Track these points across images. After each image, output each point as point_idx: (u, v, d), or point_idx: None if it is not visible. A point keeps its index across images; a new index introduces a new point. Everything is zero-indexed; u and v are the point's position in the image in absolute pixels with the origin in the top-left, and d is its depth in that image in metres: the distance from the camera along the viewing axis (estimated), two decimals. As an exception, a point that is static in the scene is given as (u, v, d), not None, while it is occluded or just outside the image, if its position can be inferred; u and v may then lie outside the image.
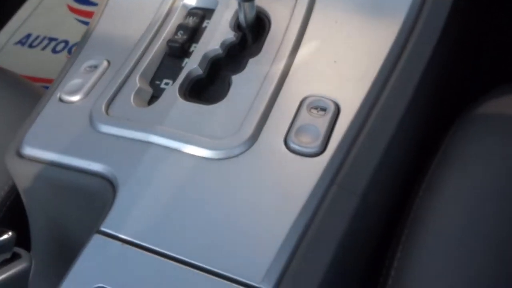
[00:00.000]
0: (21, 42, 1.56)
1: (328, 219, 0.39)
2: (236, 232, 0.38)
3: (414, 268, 0.40)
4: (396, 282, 0.40)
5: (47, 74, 1.47)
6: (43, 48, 1.54)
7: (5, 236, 0.46)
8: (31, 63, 1.49)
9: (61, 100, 0.54)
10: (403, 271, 0.41)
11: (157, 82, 0.53)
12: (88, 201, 0.47)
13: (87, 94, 0.53)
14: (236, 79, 0.49)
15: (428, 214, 0.44)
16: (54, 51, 1.53)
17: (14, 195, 0.62)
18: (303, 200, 0.39)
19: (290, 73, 0.48)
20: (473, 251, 0.39)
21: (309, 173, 0.41)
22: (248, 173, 0.42)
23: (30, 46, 1.55)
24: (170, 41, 0.54)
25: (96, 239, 0.39)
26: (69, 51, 1.51)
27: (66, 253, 0.54)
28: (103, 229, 0.40)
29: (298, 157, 0.42)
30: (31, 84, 0.79)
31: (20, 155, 0.51)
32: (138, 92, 0.51)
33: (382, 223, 0.45)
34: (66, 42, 1.53)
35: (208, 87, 0.52)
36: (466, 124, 0.51)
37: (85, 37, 0.61)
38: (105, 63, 0.55)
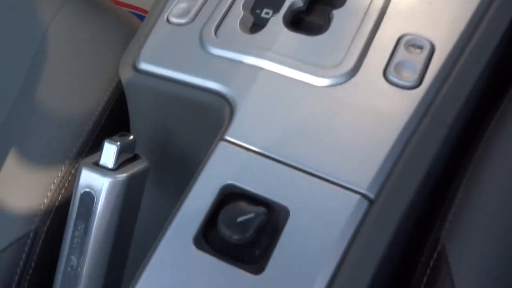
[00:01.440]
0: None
1: (420, 145, 0.45)
2: (341, 148, 0.45)
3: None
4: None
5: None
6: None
7: (130, 138, 0.53)
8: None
9: (168, 21, 0.59)
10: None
11: (258, 11, 0.58)
12: (199, 115, 0.54)
13: (193, 18, 0.58)
14: (337, 13, 0.54)
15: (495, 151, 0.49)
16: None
17: (113, 103, 0.69)
18: (399, 127, 0.45)
19: (388, 11, 0.53)
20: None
21: (405, 104, 0.47)
22: (350, 100, 0.47)
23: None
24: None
25: (222, 145, 0.46)
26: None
27: (167, 162, 0.62)
28: (227, 137, 0.47)
29: (396, 89, 0.47)
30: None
31: (136, 69, 0.57)
32: (243, 20, 0.56)
33: (460, 148, 0.50)
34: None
35: (307, 19, 0.56)
36: None
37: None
38: (208, -11, 0.60)
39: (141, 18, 0.78)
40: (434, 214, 0.48)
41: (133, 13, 1.11)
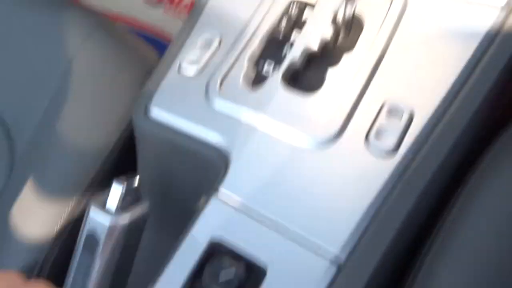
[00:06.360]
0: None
1: (387, 212, 0.50)
2: (317, 212, 0.50)
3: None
4: None
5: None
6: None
7: (136, 179, 0.58)
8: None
9: (179, 71, 0.65)
10: None
11: (262, 62, 0.63)
12: (198, 165, 0.60)
13: (203, 70, 0.63)
14: (331, 72, 0.58)
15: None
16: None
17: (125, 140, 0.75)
18: (374, 194, 0.50)
19: (376, 75, 0.57)
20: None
21: (382, 171, 0.51)
22: (332, 164, 0.52)
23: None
24: (275, 29, 0.64)
25: (213, 201, 0.52)
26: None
27: (168, 203, 0.68)
28: (220, 188, 0.52)
29: (374, 156, 0.52)
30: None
31: (147, 115, 0.63)
32: (246, 74, 0.62)
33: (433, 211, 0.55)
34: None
35: (304, 75, 0.61)
36: None
37: (199, 6, 0.70)
38: (218, 39, 0.65)
39: (160, 45, 0.84)
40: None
41: (152, 39, 1.17)
